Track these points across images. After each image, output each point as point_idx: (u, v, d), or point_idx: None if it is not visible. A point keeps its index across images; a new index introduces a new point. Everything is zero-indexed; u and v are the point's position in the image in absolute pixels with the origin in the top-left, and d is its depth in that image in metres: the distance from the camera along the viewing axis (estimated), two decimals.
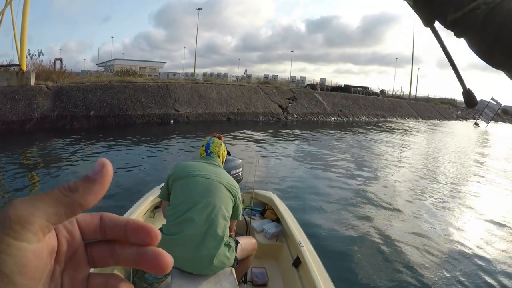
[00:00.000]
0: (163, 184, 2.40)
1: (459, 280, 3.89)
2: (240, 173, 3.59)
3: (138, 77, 19.81)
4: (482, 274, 4.16)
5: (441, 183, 8.57)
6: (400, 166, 10.42)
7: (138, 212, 3.10)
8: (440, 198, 7.23)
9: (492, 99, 47.47)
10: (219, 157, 2.46)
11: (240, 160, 3.54)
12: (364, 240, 4.83)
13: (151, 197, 3.39)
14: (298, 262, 2.71)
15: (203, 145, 2.50)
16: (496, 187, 8.79)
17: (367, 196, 6.95)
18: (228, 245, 2.14)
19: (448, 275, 4.01)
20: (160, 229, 2.09)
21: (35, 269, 0.26)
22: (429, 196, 7.27)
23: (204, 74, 45.41)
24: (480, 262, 4.41)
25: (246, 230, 3.25)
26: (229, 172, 2.64)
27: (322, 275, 2.34)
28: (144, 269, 0.30)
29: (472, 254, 4.63)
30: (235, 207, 2.32)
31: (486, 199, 7.64)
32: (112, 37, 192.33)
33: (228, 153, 2.66)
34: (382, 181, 8.35)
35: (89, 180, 0.29)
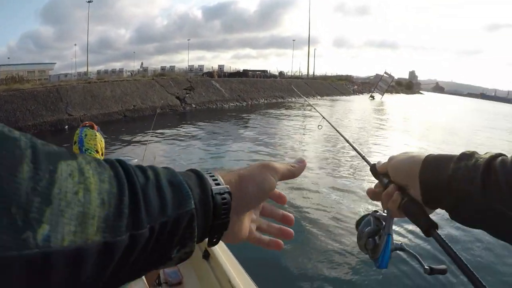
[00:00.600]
0: None
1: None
2: None
3: (25, 83, 19.01)
4: None
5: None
6: (304, 141, 11.64)
7: None
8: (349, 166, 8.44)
9: (385, 73, 52.05)
10: (98, 152, 2.17)
11: (136, 160, 3.50)
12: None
13: None
14: (207, 254, 2.79)
15: (75, 142, 2.15)
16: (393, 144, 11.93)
17: None
18: None
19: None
20: None
21: (271, 196, 0.54)
22: (338, 168, 8.26)
23: (98, 72, 43.67)
24: None
25: None
26: None
27: (232, 264, 2.46)
28: (279, 236, 0.58)
29: None
30: None
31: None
32: None
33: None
34: (288, 159, 8.99)
35: (299, 164, 0.57)
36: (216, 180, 0.47)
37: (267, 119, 17.59)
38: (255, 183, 0.51)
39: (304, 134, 12.58)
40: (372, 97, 46.50)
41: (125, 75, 35.56)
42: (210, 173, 0.49)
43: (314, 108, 1.60)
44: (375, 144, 11.81)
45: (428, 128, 18.92)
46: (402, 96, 68.80)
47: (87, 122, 2.31)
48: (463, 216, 0.63)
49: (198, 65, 51.19)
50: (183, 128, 14.31)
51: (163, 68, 43.42)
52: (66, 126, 14.63)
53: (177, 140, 11.78)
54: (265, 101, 28.96)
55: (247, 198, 0.51)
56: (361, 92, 55.65)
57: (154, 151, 9.45)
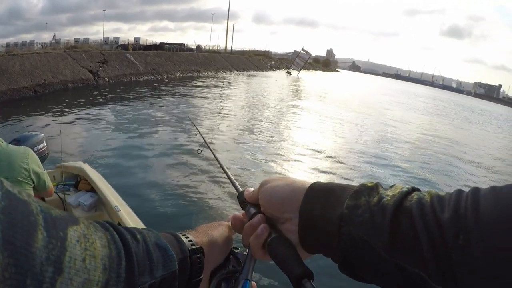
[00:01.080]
0: None
1: None
2: (45, 148, 3.26)
3: None
4: None
5: (264, 126, 11.36)
6: (220, 115, 12.54)
7: None
8: (268, 139, 9.64)
9: (303, 49, 54.67)
10: None
11: (42, 134, 3.25)
12: (180, 192, 5.52)
13: None
14: None
15: None
16: (308, 119, 13.64)
17: (185, 150, 7.87)
18: None
19: None
20: None
21: None
22: (258, 138, 9.32)
23: (8, 45, 40.78)
24: None
25: (63, 208, 3.11)
26: (32, 149, 2.33)
27: None
28: None
29: None
30: (37, 185, 2.12)
31: (304, 132, 11.71)
32: None
33: None
34: (203, 133, 9.75)
35: (232, 220, 0.62)
36: (191, 241, 0.52)
37: (176, 97, 18.17)
38: (222, 242, 0.58)
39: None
40: (289, 73, 49.00)
41: (36, 48, 33.94)
42: (184, 234, 0.54)
43: (199, 132, 1.40)
44: (287, 128, 12.74)
45: (341, 108, 20.72)
46: (318, 73, 72.36)
47: None
48: (357, 272, 0.46)
49: (114, 37, 50.09)
50: (95, 103, 14.68)
51: (76, 40, 41.93)
52: None
53: (87, 115, 12.00)
54: (181, 74, 29.81)
55: (215, 256, 0.57)
56: (278, 68, 57.95)
57: (60, 127, 9.49)
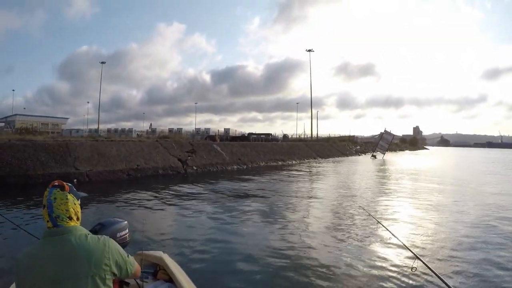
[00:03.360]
0: None
1: None
2: (127, 235, 3.24)
3: (38, 135, 20.19)
4: None
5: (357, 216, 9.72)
6: (303, 207, 11.44)
7: None
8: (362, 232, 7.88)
9: (385, 131, 53.56)
10: (71, 218, 1.83)
11: (125, 222, 3.26)
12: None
13: None
14: None
15: (44, 206, 1.79)
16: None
17: (269, 243, 7.11)
18: None
19: None
20: None
21: None
22: (351, 234, 7.71)
23: (109, 130, 45.61)
24: None
25: None
26: (114, 236, 2.35)
27: None
28: None
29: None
30: (119, 275, 1.96)
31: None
32: (13, 90, 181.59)
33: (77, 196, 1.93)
34: (290, 224, 8.70)
35: None
36: None
37: (268, 184, 16.95)
38: None
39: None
40: (374, 156, 47.81)
41: (134, 135, 37.07)
42: None
43: (405, 246, 1.30)
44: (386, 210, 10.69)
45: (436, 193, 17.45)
46: (406, 153, 69.35)
47: (56, 181, 1.89)
48: None
49: (205, 128, 53.68)
50: (182, 191, 14.40)
51: (170, 130, 45.44)
52: (75, 180, 14.87)
53: (174, 203, 11.78)
54: (265, 164, 29.85)
55: None
56: (364, 152, 57.91)
57: (145, 215, 9.51)
